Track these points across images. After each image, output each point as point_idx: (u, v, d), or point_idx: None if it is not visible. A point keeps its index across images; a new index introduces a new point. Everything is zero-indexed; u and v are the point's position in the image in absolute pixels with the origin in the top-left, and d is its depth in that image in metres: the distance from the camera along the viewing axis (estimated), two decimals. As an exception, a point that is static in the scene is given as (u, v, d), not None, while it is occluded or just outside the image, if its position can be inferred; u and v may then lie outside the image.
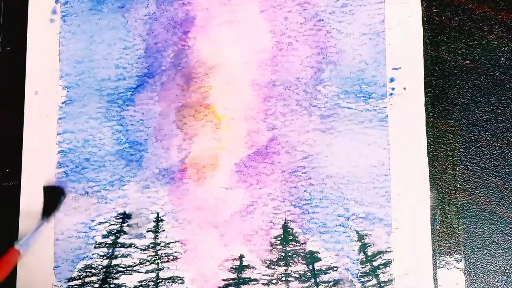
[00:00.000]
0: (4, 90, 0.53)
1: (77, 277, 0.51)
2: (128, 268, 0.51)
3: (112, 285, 0.51)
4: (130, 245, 0.51)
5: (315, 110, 0.52)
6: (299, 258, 0.51)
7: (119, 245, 0.51)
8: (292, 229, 0.51)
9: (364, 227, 0.51)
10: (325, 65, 0.52)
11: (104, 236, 0.51)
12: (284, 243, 0.51)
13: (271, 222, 0.51)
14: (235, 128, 0.52)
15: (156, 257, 0.51)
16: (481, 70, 0.52)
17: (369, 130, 0.51)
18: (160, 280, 0.51)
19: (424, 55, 0.52)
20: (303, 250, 0.51)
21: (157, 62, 0.53)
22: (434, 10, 0.53)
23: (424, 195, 0.50)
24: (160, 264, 0.51)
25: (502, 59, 0.53)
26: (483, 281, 0.50)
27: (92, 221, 0.51)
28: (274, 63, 0.53)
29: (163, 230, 0.51)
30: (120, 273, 0.51)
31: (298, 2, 0.53)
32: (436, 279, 0.50)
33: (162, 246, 0.51)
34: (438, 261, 0.50)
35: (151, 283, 0.51)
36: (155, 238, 0.51)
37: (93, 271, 0.51)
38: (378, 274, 0.50)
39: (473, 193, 0.51)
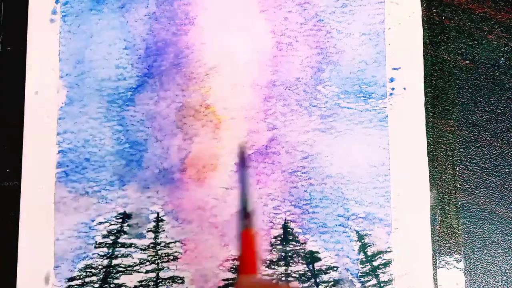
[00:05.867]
0: (4, 90, 0.53)
1: (77, 277, 0.51)
2: (128, 268, 0.51)
3: (112, 285, 0.51)
4: (130, 245, 0.51)
5: (315, 110, 0.52)
6: (299, 258, 0.51)
7: (119, 245, 0.51)
8: (292, 229, 0.51)
9: (364, 227, 0.51)
10: (325, 65, 0.52)
11: (104, 236, 0.51)
12: (284, 243, 0.51)
13: (271, 222, 0.51)
14: (235, 128, 0.52)
15: (156, 257, 0.51)
16: (481, 70, 0.52)
17: (369, 130, 0.51)
18: (160, 280, 0.51)
19: (424, 55, 0.52)
20: (303, 250, 0.51)
21: (157, 62, 0.53)
22: (434, 10, 0.53)
23: (424, 195, 0.51)
24: (160, 264, 0.51)
25: (502, 59, 0.53)
26: (483, 281, 0.50)
27: (92, 221, 0.51)
28: (274, 63, 0.53)
29: (163, 230, 0.51)
30: (120, 273, 0.51)
31: (298, 2, 0.53)
32: (436, 279, 0.50)
33: (162, 246, 0.51)
34: (438, 261, 0.50)
35: (151, 283, 0.51)
36: (155, 238, 0.51)
37: (93, 271, 0.51)
38: (378, 274, 0.50)
39: (473, 193, 0.51)
